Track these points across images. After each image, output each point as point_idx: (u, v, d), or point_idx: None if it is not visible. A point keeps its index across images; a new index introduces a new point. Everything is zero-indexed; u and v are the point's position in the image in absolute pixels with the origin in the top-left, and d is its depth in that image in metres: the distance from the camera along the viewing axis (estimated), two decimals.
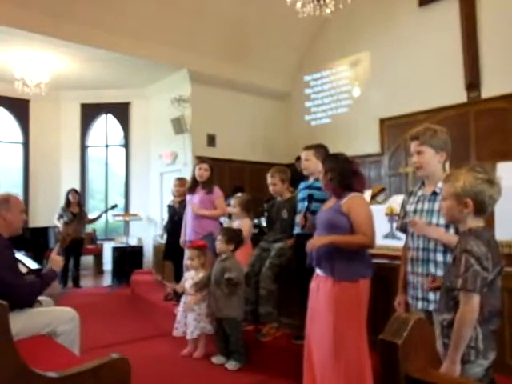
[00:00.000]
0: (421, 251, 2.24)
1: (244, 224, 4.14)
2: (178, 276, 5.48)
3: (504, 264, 1.81)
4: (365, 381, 2.41)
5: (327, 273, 2.51)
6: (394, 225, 3.63)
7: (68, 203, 6.89)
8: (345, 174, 2.59)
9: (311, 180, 3.40)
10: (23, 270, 3.58)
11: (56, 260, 2.87)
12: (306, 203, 3.05)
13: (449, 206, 1.82)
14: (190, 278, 3.75)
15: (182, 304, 3.74)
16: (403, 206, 2.44)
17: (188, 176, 5.13)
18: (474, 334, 1.70)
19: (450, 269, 1.84)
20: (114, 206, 7.30)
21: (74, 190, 7.06)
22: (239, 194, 4.56)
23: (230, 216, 5.13)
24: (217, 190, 4.51)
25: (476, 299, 1.65)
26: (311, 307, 2.63)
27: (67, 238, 6.61)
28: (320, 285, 2.56)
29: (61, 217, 6.76)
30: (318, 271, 2.62)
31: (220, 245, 3.62)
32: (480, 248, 1.68)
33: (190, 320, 3.63)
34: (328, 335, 2.45)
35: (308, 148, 3.44)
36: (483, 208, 1.75)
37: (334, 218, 2.52)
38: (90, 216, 7.46)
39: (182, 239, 4.68)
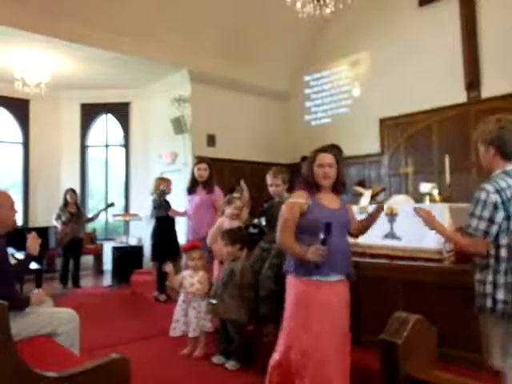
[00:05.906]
0: None
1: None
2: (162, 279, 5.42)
3: None
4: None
5: (344, 274, 2.37)
6: (394, 225, 3.63)
7: (66, 203, 6.84)
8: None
9: None
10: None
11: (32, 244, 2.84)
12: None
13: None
14: (189, 276, 3.74)
15: (179, 303, 3.74)
16: (505, 208, 1.94)
17: (188, 176, 5.11)
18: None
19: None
20: (111, 205, 7.27)
21: (72, 190, 6.98)
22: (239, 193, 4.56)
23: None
24: (218, 191, 4.52)
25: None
26: (333, 317, 2.33)
27: (65, 237, 6.62)
28: (334, 291, 2.34)
29: (59, 217, 6.72)
30: (319, 277, 2.31)
31: (226, 249, 3.56)
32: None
33: (191, 318, 3.62)
34: (345, 336, 2.38)
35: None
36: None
37: (348, 219, 2.51)
38: (89, 215, 7.44)
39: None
